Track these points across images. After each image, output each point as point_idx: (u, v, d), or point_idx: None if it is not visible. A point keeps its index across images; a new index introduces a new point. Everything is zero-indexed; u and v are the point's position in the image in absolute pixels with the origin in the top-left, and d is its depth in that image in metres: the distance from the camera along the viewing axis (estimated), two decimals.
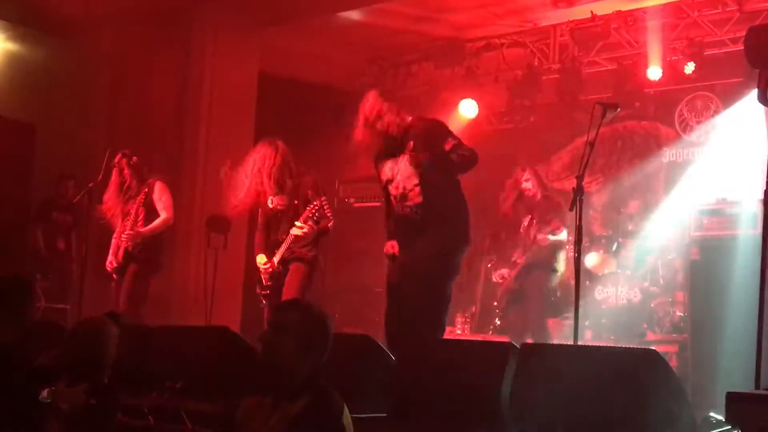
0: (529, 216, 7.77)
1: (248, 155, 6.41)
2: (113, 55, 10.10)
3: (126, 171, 6.97)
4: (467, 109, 10.34)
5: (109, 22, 9.80)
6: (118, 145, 7.70)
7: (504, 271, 8.02)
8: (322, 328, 3.09)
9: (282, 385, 3.00)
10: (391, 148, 5.15)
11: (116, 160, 7.00)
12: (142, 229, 6.82)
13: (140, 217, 6.84)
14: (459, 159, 4.99)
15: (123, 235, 6.81)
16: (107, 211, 6.98)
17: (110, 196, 6.96)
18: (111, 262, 6.89)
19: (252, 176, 6.26)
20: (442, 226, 4.99)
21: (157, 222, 6.89)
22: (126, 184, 6.97)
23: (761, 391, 3.94)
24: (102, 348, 3.73)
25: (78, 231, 9.12)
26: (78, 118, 9.81)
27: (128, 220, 6.85)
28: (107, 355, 3.74)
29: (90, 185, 7.08)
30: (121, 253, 6.84)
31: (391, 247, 5.22)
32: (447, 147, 4.97)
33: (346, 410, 2.96)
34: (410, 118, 5.22)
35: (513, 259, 7.93)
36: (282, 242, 6.36)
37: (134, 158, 7.02)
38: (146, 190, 6.93)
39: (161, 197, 6.92)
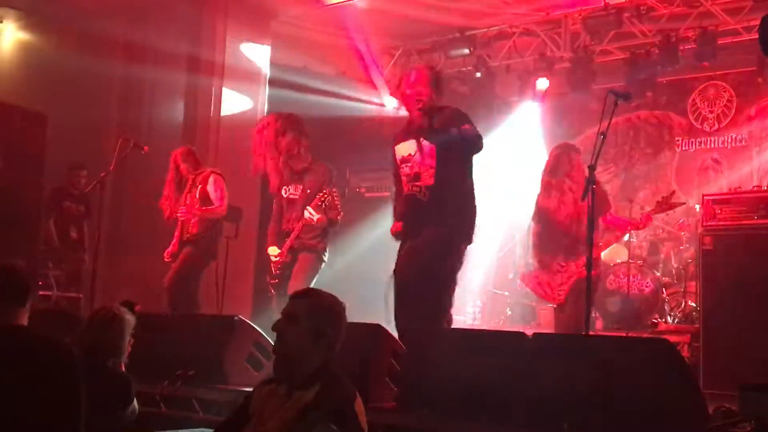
0: None
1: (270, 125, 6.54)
2: (125, 44, 10.10)
3: (182, 166, 7.12)
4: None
5: (121, 11, 9.81)
6: (130, 135, 7.73)
7: None
8: (334, 318, 3.09)
9: (294, 373, 3.00)
10: (410, 128, 5.16)
11: (172, 156, 7.16)
12: (196, 209, 6.92)
13: (197, 204, 6.97)
14: (465, 137, 5.00)
15: (178, 213, 6.96)
16: (166, 207, 7.12)
17: (168, 193, 7.13)
18: (168, 252, 7.06)
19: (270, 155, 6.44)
20: (448, 214, 4.99)
21: (209, 208, 6.99)
22: (182, 180, 7.12)
23: None
24: (119, 335, 3.76)
25: (90, 220, 9.15)
26: (90, 108, 9.81)
27: (183, 211, 7.00)
28: (124, 342, 3.77)
29: (102, 175, 7.10)
30: (176, 242, 6.99)
31: (395, 227, 5.24)
32: (463, 127, 4.98)
33: (358, 398, 2.97)
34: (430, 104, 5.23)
35: None
36: (291, 231, 6.43)
37: (187, 152, 7.18)
38: (200, 180, 7.04)
39: (215, 189, 7.03)
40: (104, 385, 3.57)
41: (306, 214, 6.33)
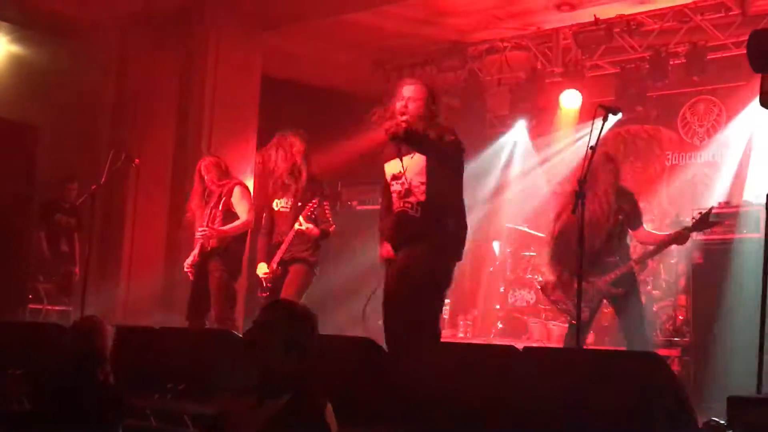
0: None
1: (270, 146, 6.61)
2: (117, 57, 10.11)
3: (207, 177, 6.90)
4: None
5: (113, 24, 9.82)
6: (121, 147, 7.72)
7: None
8: (307, 328, 3.08)
9: (266, 383, 3.00)
10: (403, 146, 5.16)
11: (197, 166, 7.00)
12: (217, 228, 6.74)
13: (218, 219, 6.77)
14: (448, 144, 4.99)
15: (197, 233, 6.78)
16: (190, 217, 6.97)
17: (195, 204, 6.94)
18: (188, 262, 6.86)
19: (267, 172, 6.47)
20: (438, 231, 4.98)
21: (235, 223, 6.80)
22: (208, 190, 6.92)
23: (763, 395, 3.95)
24: (103, 343, 3.75)
25: (81, 233, 9.13)
26: (82, 121, 9.81)
27: (206, 221, 6.81)
28: (104, 351, 3.76)
29: (93, 188, 7.07)
30: (197, 253, 6.79)
31: (386, 251, 5.20)
32: (449, 139, 4.98)
33: (329, 408, 2.95)
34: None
35: None
36: (281, 243, 6.45)
37: (212, 163, 6.98)
38: (224, 192, 6.86)
39: (241, 200, 6.84)
40: (96, 398, 3.57)
41: (296, 225, 6.36)
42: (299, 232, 6.39)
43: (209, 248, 6.74)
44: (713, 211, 5.97)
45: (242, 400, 3.05)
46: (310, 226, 6.37)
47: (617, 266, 5.84)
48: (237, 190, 6.86)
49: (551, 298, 6.23)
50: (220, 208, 6.79)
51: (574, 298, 5.58)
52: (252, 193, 7.19)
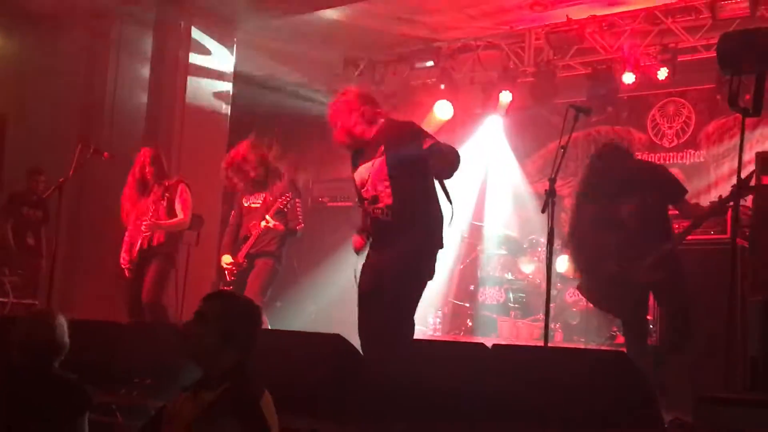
0: None
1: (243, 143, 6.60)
2: (87, 48, 10.01)
3: (148, 169, 6.79)
4: (442, 110, 10.34)
5: (82, 16, 9.72)
6: (89, 140, 7.65)
7: None
8: (247, 320, 3.05)
9: (204, 375, 2.98)
10: (365, 152, 5.14)
11: (140, 157, 6.86)
12: (162, 222, 6.68)
13: (161, 214, 6.70)
14: (438, 165, 4.92)
15: (143, 225, 6.64)
16: (123, 207, 6.86)
17: (130, 193, 6.82)
18: (124, 258, 6.74)
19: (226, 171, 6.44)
20: (414, 229, 4.97)
21: (175, 220, 6.76)
22: (145, 182, 6.80)
23: (730, 394, 3.98)
24: (60, 332, 3.67)
25: (48, 226, 9.04)
26: (50, 112, 9.70)
27: (144, 216, 6.70)
28: (57, 342, 3.67)
29: (61, 180, 6.98)
30: (135, 249, 6.69)
31: (357, 242, 5.20)
32: (425, 146, 4.95)
33: (267, 397, 2.92)
34: (382, 121, 5.21)
35: None
36: (248, 237, 6.45)
37: (157, 156, 6.87)
38: (167, 188, 6.79)
39: (183, 200, 6.77)
40: (56, 393, 3.51)
41: (263, 223, 6.37)
42: (266, 229, 6.41)
43: (155, 244, 6.66)
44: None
45: (186, 395, 3.02)
46: (276, 222, 6.37)
47: (653, 250, 5.37)
48: (181, 188, 6.79)
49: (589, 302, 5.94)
50: (164, 204, 6.73)
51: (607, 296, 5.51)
52: (225, 189, 7.15)
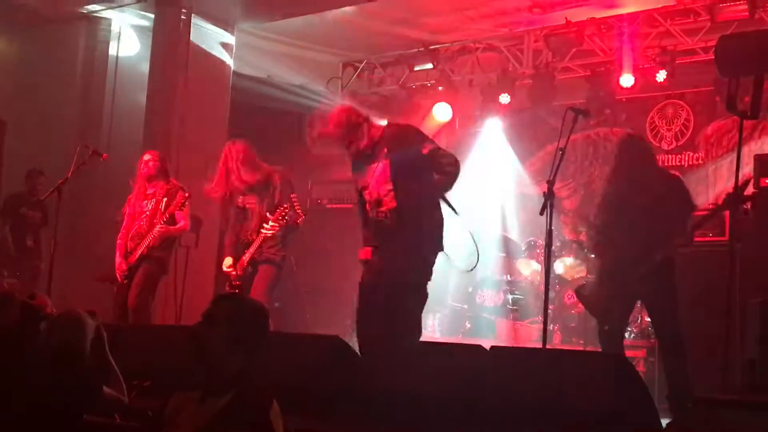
0: None
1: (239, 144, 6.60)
2: (86, 51, 10.01)
3: (153, 173, 6.84)
4: (441, 112, 10.35)
5: (81, 19, 9.73)
6: (89, 142, 7.65)
7: None
8: (256, 323, 3.03)
9: (210, 378, 2.94)
10: (366, 156, 5.15)
11: (142, 159, 6.89)
12: (171, 228, 6.71)
13: (158, 215, 6.70)
14: (442, 179, 4.95)
15: (155, 228, 6.64)
16: (126, 209, 6.88)
17: (135, 195, 6.87)
18: (121, 266, 6.75)
19: (219, 172, 6.44)
20: (415, 231, 4.98)
21: (177, 227, 6.78)
22: (148, 186, 6.85)
23: (727, 396, 3.99)
24: (81, 337, 3.68)
25: (47, 228, 9.03)
26: (49, 114, 9.71)
27: (145, 219, 6.73)
28: (86, 344, 3.69)
29: (60, 181, 7.00)
30: (135, 255, 6.69)
31: (364, 253, 5.20)
32: (424, 151, 4.96)
33: (275, 406, 2.89)
34: (384, 124, 5.23)
35: None
36: (252, 242, 6.43)
37: (159, 161, 6.90)
38: (167, 194, 6.78)
39: (184, 207, 6.74)
40: (71, 390, 3.51)
41: (262, 231, 6.35)
42: (266, 237, 6.39)
43: (151, 245, 6.65)
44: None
45: (186, 396, 3.00)
46: (276, 225, 6.35)
47: (645, 260, 5.42)
48: (180, 195, 6.74)
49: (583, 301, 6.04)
50: (163, 209, 6.72)
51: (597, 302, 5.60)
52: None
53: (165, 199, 6.77)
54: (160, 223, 6.66)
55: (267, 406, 2.87)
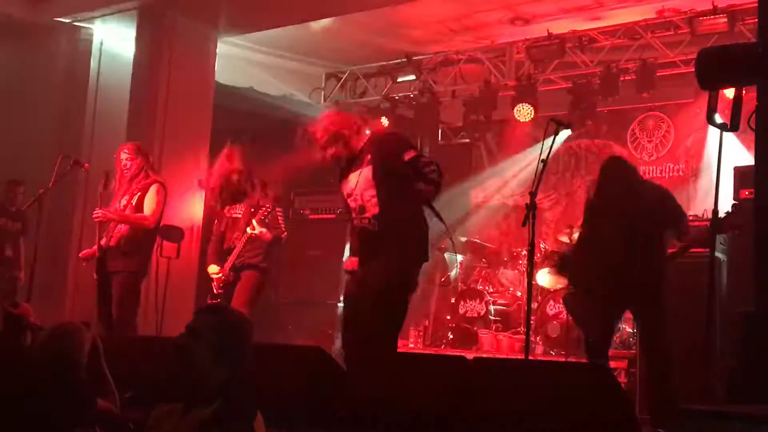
0: None
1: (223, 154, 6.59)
2: (67, 58, 9.96)
3: (131, 167, 6.56)
4: None
5: (63, 25, 9.69)
6: (70, 151, 7.60)
7: None
8: (239, 335, 3.00)
9: (193, 390, 2.91)
10: (351, 163, 5.16)
11: (118, 154, 6.63)
12: (111, 213, 6.40)
13: (128, 209, 6.47)
14: (429, 188, 4.94)
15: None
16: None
17: (116, 191, 6.63)
18: (85, 252, 6.59)
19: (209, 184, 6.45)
20: (399, 239, 4.98)
21: (134, 216, 6.45)
22: (126, 181, 6.57)
23: (707, 406, 4.00)
24: (78, 348, 3.66)
25: (27, 238, 8.96)
26: (29, 123, 9.65)
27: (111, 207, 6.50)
28: (82, 356, 3.66)
29: (40, 192, 6.94)
30: (98, 243, 6.46)
31: (351, 263, 5.20)
32: (406, 158, 4.96)
33: (259, 418, 2.87)
34: (369, 132, 5.24)
35: None
36: (233, 249, 6.44)
37: (140, 156, 6.62)
38: (141, 187, 6.53)
39: (153, 198, 6.49)
40: (67, 401, 3.48)
41: (248, 229, 6.36)
42: (252, 237, 6.39)
43: (110, 245, 6.42)
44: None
45: (169, 407, 2.98)
46: (263, 230, 6.37)
47: (634, 276, 5.40)
48: (153, 188, 6.53)
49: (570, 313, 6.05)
50: (134, 203, 6.47)
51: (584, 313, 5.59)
52: (205, 201, 7.07)
53: (139, 194, 6.52)
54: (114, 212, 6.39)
55: (251, 417, 2.85)
